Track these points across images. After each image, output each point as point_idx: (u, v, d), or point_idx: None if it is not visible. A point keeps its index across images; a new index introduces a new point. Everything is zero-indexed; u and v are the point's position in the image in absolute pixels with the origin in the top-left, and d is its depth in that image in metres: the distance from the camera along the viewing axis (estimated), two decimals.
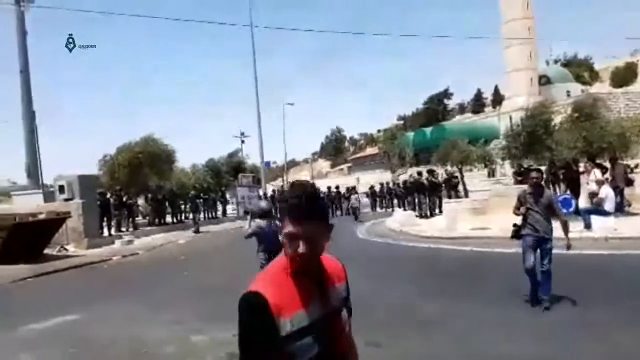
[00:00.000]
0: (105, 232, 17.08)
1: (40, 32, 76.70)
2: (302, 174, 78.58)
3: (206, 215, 23.80)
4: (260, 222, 6.19)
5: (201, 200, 23.60)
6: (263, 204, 6.45)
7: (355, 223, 20.02)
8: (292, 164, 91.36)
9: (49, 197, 16.12)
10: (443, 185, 20.20)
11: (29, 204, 15.46)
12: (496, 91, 75.92)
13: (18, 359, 5.50)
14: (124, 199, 18.46)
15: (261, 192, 26.66)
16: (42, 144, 19.00)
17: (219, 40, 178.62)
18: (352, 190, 26.78)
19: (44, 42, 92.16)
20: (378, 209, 27.15)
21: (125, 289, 9.62)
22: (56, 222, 13.87)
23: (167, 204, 21.43)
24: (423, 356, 4.78)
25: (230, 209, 26.75)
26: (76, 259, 13.57)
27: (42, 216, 13.46)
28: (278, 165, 73.39)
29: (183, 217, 22.77)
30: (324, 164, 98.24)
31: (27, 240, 12.84)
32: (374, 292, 6.95)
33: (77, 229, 15.45)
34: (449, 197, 19.17)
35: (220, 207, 26.01)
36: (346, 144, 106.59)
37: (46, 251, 14.23)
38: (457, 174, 21.03)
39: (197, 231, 19.42)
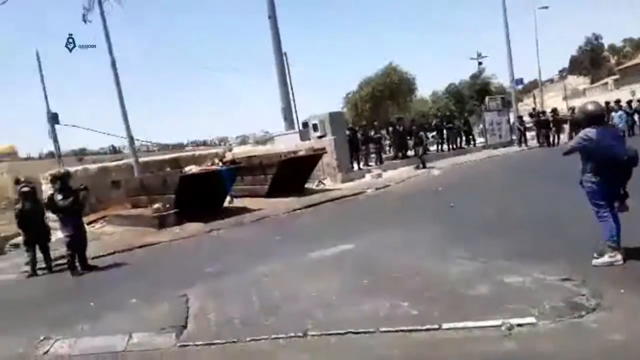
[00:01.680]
0: (355, 167, 17.73)
1: None
2: (550, 95, 68.49)
3: (450, 146, 22.54)
4: (589, 131, 4.60)
5: (442, 129, 22.39)
6: (590, 106, 4.78)
7: None
8: (533, 85, 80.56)
9: (304, 136, 17.49)
10: None
11: (288, 143, 17.09)
12: None
13: (319, 287, 5.46)
14: (371, 133, 18.81)
15: (512, 117, 23.79)
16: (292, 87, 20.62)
17: None
18: None
19: None
20: None
21: (392, 219, 9.39)
22: (314, 158, 14.87)
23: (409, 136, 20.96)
24: None
25: (477, 137, 24.77)
26: (334, 192, 14.35)
27: (301, 153, 14.54)
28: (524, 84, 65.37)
29: (424, 150, 22.07)
30: (576, 81, 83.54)
31: (291, 175, 14.17)
32: None
33: (331, 164, 16.39)
34: None
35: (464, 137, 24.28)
36: (605, 53, 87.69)
37: (307, 185, 15.58)
38: None
39: (421, 166, 18.02)
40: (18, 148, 71.37)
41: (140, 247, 9.97)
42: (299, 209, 12.32)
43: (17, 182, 9.88)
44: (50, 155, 63.73)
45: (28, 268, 9.10)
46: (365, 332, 4.03)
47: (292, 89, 20.08)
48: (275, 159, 14.19)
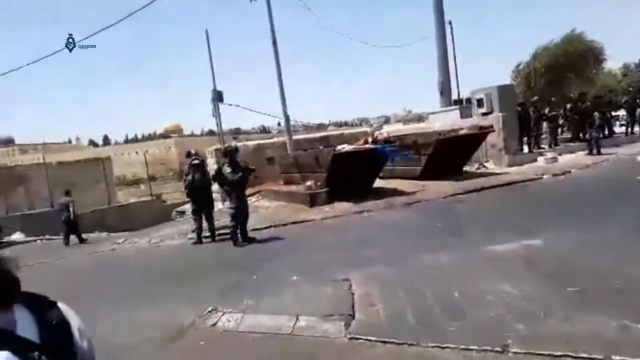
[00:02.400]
0: (525, 149, 15.85)
1: None
2: None
3: None
4: None
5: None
6: None
7: None
8: None
9: (464, 112, 16.16)
10: None
11: (445, 121, 15.94)
12: None
13: (509, 291, 4.64)
14: (545, 110, 16.63)
15: None
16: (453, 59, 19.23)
17: None
18: None
19: None
20: None
21: (584, 212, 7.91)
22: (477, 137, 13.58)
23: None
24: None
25: None
26: (501, 176, 12.96)
27: (463, 131, 13.36)
28: None
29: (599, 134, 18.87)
30: None
31: (448, 156, 13.09)
32: None
33: (496, 145, 14.86)
34: None
35: None
36: None
37: (465, 168, 14.34)
38: None
39: (594, 152, 15.13)
40: (183, 126, 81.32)
41: (294, 223, 10.07)
42: (459, 193, 11.31)
43: (189, 154, 10.68)
44: (210, 133, 71.16)
45: (194, 235, 9.79)
46: (588, 358, 3.15)
47: (455, 58, 18.71)
48: (433, 138, 13.25)
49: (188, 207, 18.04)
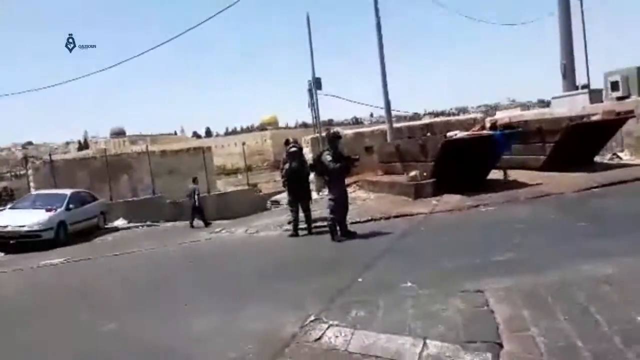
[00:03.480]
0: None
1: None
2: None
3: None
4: None
5: None
6: None
7: None
8: None
9: (595, 97, 13.95)
10: None
11: (572, 106, 13.85)
12: None
13: None
14: None
15: None
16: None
17: None
18: None
19: None
20: None
21: None
22: (613, 124, 11.51)
23: None
24: None
25: None
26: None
27: (596, 117, 11.35)
28: None
29: None
30: None
31: (577, 145, 11.21)
32: None
33: (633, 133, 12.55)
34: None
35: None
36: None
37: (595, 159, 12.30)
38: None
39: None
40: (279, 118, 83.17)
41: (398, 216, 9.03)
42: (596, 187, 9.53)
43: (287, 142, 10.08)
44: (304, 125, 71.90)
45: (290, 227, 9.15)
46: None
47: (584, 36, 16.27)
48: (561, 124, 11.39)
49: (283, 197, 17.91)
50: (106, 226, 15.07)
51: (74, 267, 9.07)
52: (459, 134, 10.26)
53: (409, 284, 4.90)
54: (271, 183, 28.23)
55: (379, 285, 5.01)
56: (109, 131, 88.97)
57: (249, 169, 33.37)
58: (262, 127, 73.92)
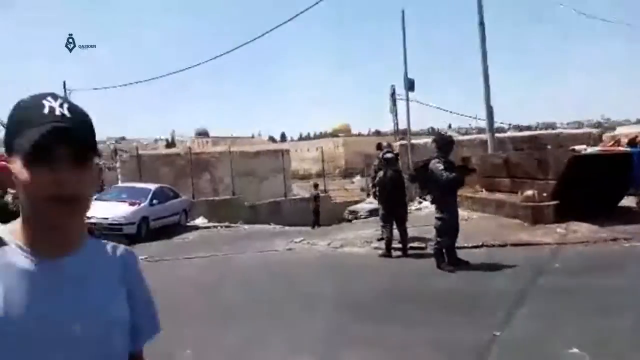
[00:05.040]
0: None
1: None
2: None
3: None
4: None
5: None
6: None
7: None
8: None
9: None
10: None
11: None
12: None
13: None
14: None
15: None
16: None
17: None
18: None
19: None
20: None
21: None
22: None
23: None
24: None
25: None
26: None
27: None
28: None
29: None
30: None
31: None
32: None
33: None
34: None
35: None
36: None
37: None
38: None
39: None
40: (351, 126, 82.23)
41: (516, 244, 7.47)
42: None
43: (379, 147, 8.91)
44: (377, 133, 70.37)
45: (380, 245, 7.94)
46: None
47: None
48: None
49: (362, 207, 16.76)
50: (187, 224, 14.69)
51: (151, 268, 8.46)
52: (588, 149, 8.49)
53: (575, 349, 3.49)
54: (341, 190, 27.38)
55: (530, 346, 3.64)
56: (193, 131, 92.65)
57: (321, 175, 32.60)
58: (334, 134, 73.39)
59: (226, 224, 15.40)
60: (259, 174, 18.62)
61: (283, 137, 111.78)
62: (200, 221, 15.50)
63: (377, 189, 7.94)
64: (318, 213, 15.78)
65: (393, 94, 20.26)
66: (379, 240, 8.26)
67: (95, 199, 13.42)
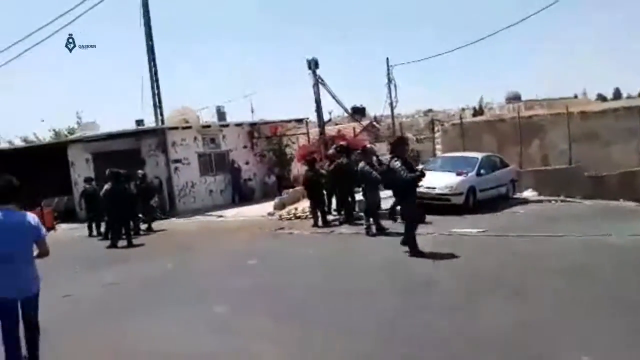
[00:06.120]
0: None
1: None
2: None
3: None
4: None
5: None
6: None
7: None
8: None
9: None
10: None
11: None
12: None
13: None
14: None
15: None
16: None
17: None
18: None
19: None
20: None
21: None
22: None
23: None
24: None
25: None
26: None
27: None
28: None
29: None
30: None
31: None
32: None
33: None
34: None
35: None
36: None
37: None
38: None
39: None
40: None
41: None
42: None
43: None
44: None
45: None
46: None
47: None
48: None
49: None
50: (514, 196, 13.42)
51: (497, 241, 7.81)
52: None
53: None
54: None
55: None
56: (504, 96, 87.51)
57: None
58: None
59: (561, 197, 13.37)
60: (603, 139, 15.36)
61: (617, 95, 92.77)
62: (529, 193, 13.98)
63: None
64: None
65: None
66: None
67: (423, 169, 13.70)
